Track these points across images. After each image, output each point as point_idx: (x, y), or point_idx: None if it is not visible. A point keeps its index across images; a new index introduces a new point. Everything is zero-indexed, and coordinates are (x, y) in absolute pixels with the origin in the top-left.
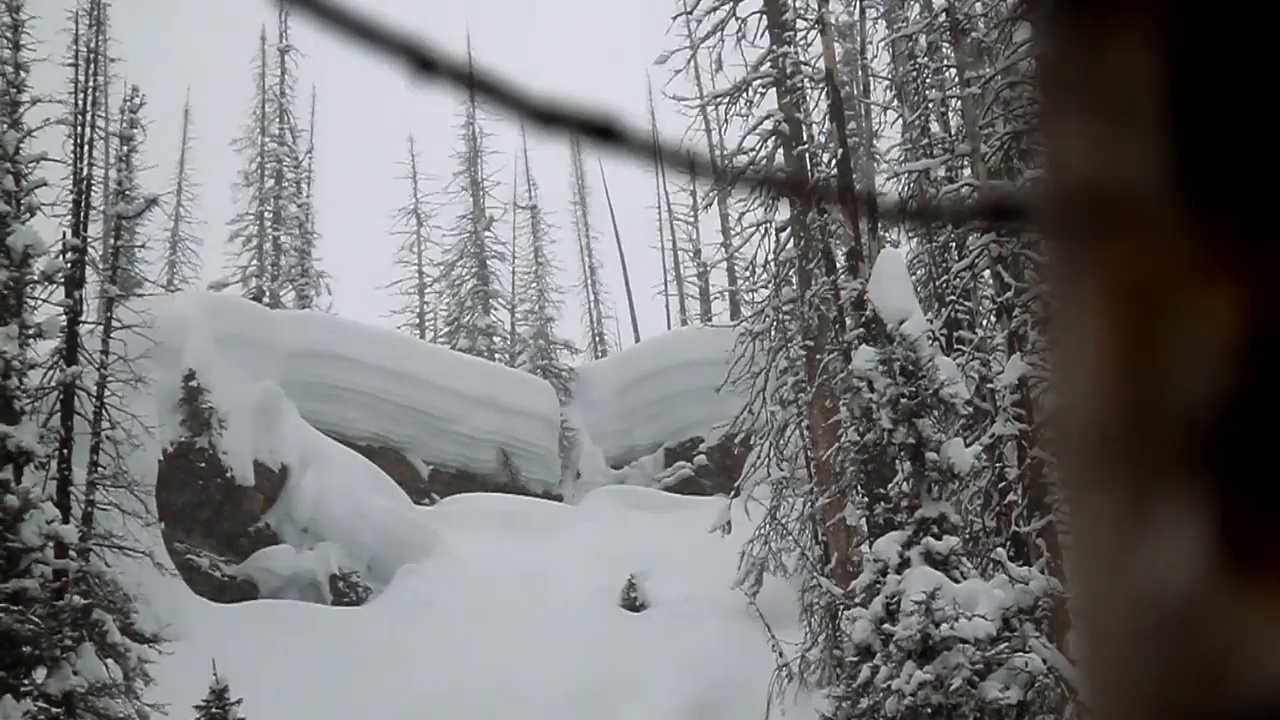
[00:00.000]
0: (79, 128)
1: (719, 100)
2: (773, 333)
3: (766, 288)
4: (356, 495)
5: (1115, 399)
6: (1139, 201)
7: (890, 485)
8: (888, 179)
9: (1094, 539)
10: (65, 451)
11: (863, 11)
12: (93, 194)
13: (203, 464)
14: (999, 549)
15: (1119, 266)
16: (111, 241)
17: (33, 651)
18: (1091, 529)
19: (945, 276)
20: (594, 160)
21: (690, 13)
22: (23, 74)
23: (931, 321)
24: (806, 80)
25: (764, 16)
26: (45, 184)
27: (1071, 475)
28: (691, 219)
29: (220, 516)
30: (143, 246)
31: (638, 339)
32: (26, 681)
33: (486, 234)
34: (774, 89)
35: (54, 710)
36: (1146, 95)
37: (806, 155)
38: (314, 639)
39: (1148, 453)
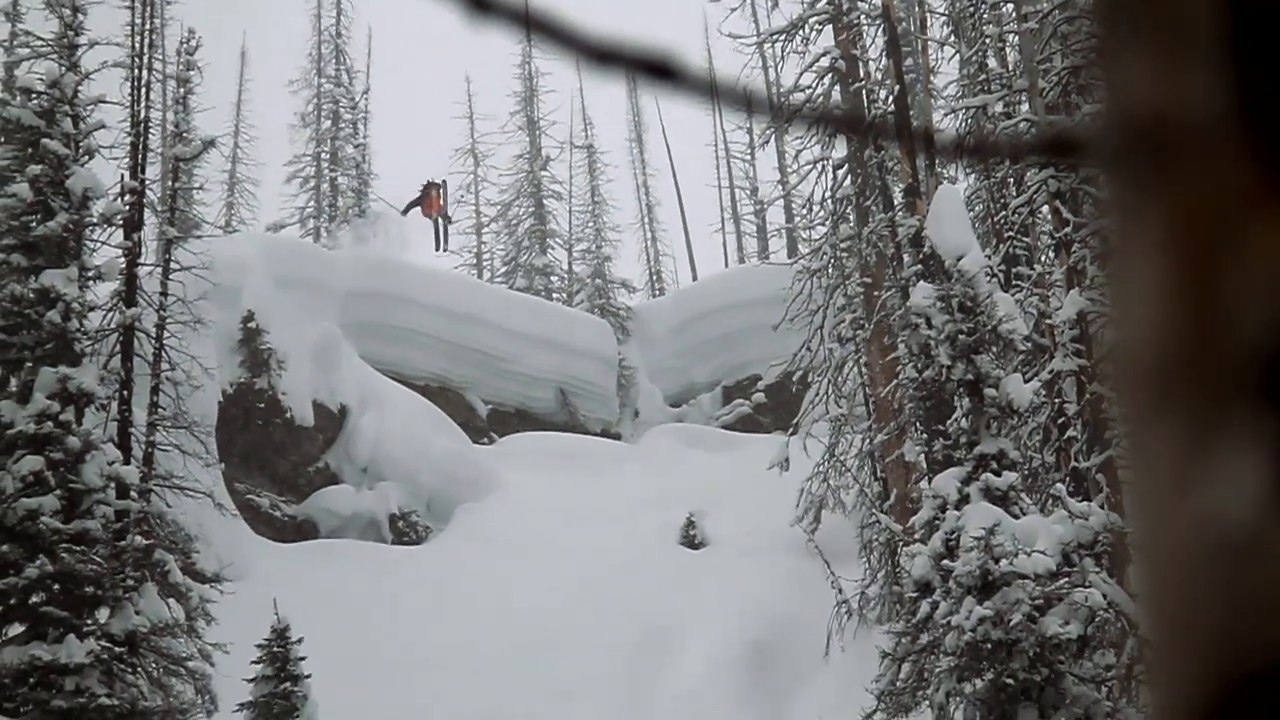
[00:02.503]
0: (136, 70)
1: (775, 37)
2: (830, 270)
3: (824, 225)
4: (416, 435)
5: (1176, 331)
6: (1199, 131)
7: (949, 421)
8: (945, 115)
9: (1155, 472)
10: (125, 393)
11: None
12: (150, 136)
13: (262, 405)
14: (1058, 484)
15: (1179, 197)
16: (169, 184)
17: (95, 592)
18: (1152, 462)
19: (1003, 212)
20: (650, 99)
21: None
22: (80, 17)
23: (989, 257)
24: (863, 16)
25: None
26: (103, 127)
27: (1132, 409)
28: (748, 157)
29: (280, 457)
30: (200, 188)
31: (695, 277)
32: (90, 622)
33: (543, 173)
34: (830, 25)
35: (117, 650)
36: (1206, 25)
37: (863, 92)
38: (374, 578)
39: (1208, 385)
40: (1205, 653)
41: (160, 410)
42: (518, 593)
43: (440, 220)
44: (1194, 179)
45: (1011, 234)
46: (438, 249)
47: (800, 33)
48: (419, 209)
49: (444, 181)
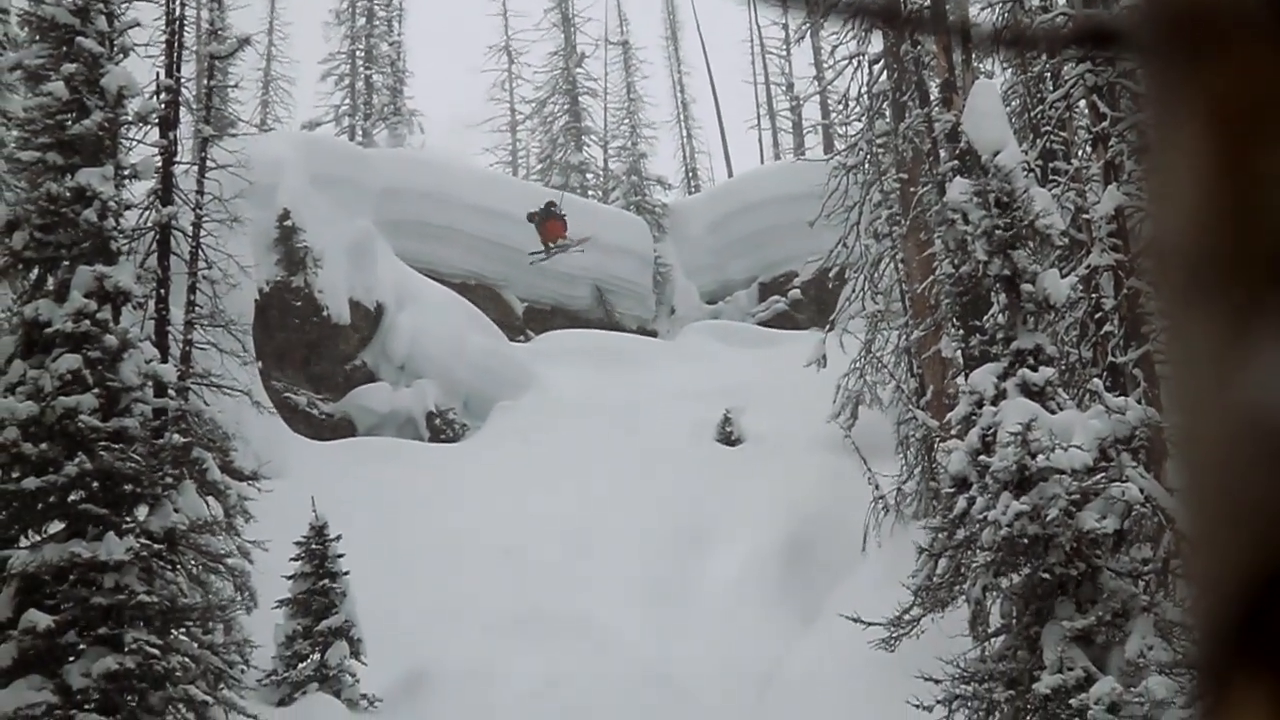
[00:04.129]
0: None
1: None
2: (866, 166)
3: (860, 121)
4: (452, 333)
5: (1214, 219)
6: (1237, 20)
7: (985, 317)
8: (981, 8)
9: (1193, 361)
10: (162, 291)
11: None
12: (185, 34)
13: (299, 303)
14: (1095, 380)
15: (1218, 88)
16: (204, 82)
17: (134, 489)
18: (1190, 353)
19: (1040, 107)
20: None
21: None
22: None
23: (1026, 153)
24: None
25: None
26: (138, 24)
27: (1170, 299)
28: (784, 53)
29: (317, 355)
30: (235, 86)
31: (731, 174)
32: (129, 519)
33: (578, 70)
34: None
35: (156, 547)
36: None
37: None
38: (411, 475)
39: (1246, 272)
40: (1244, 543)
41: (197, 308)
42: (553, 489)
43: (550, 245)
44: (1232, 68)
45: (1048, 129)
46: (539, 254)
47: None
48: (536, 223)
49: (564, 214)
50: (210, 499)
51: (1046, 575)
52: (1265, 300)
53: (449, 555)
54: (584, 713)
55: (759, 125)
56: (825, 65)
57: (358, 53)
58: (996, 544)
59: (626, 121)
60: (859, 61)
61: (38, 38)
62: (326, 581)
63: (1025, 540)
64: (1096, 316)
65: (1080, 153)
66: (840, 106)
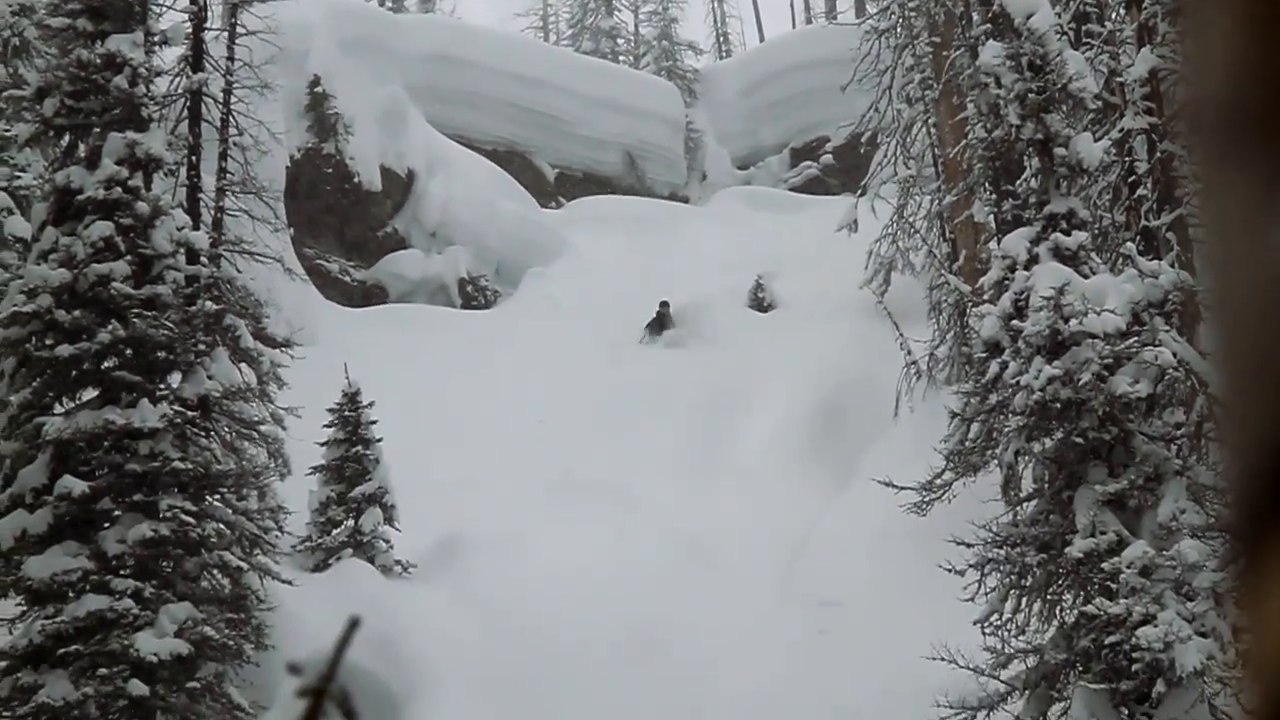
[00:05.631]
0: None
1: None
2: (899, 29)
3: None
4: (483, 199)
5: (1250, 76)
6: None
7: (1018, 181)
8: None
9: (1226, 225)
10: (194, 158)
11: None
12: None
13: (330, 169)
14: (1128, 243)
15: None
16: None
17: (167, 357)
18: (1223, 215)
19: None
20: None
21: None
22: None
23: (1059, 15)
24: None
25: None
26: None
27: (1204, 163)
28: None
29: (348, 221)
30: None
31: (762, 39)
32: (162, 386)
33: None
34: None
35: (190, 414)
36: None
37: None
38: (444, 342)
39: None
40: (1278, 405)
41: (228, 175)
42: (586, 354)
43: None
44: None
45: None
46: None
47: None
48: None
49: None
50: (243, 366)
51: (1079, 440)
52: None
53: (481, 422)
54: (616, 579)
55: None
56: None
57: None
58: (1029, 408)
59: None
60: None
61: None
62: (360, 448)
63: (1058, 405)
64: (1130, 180)
65: (1114, 15)
66: None
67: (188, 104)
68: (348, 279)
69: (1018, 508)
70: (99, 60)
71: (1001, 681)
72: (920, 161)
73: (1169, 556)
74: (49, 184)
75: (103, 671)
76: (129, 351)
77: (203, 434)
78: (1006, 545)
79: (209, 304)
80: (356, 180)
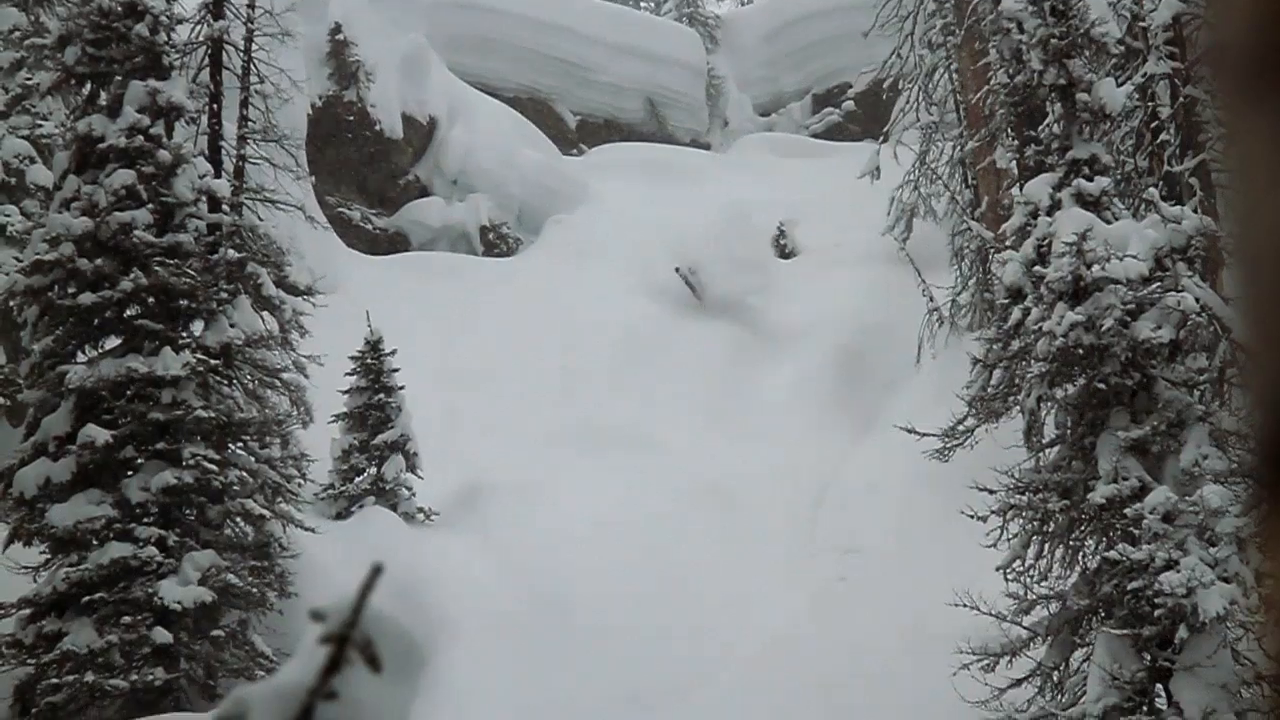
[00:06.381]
0: None
1: None
2: None
3: None
4: (505, 147)
5: (1271, 27)
6: None
7: (1041, 127)
8: None
9: (1249, 169)
10: (215, 107)
11: None
12: None
13: (351, 117)
14: (1151, 189)
15: None
16: None
17: (190, 305)
18: (1247, 158)
19: None
20: None
21: None
22: None
23: None
24: None
25: None
26: None
27: (1227, 107)
28: None
29: (370, 169)
30: None
31: None
32: (185, 334)
33: None
34: None
35: (212, 362)
36: None
37: None
38: (466, 290)
39: None
40: None
41: (250, 124)
42: (608, 302)
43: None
44: None
45: None
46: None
47: None
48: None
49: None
50: (265, 314)
51: (1101, 385)
52: None
53: (503, 370)
54: (637, 525)
55: None
56: None
57: None
58: (1051, 354)
59: None
60: None
61: None
62: (382, 396)
63: (1080, 350)
64: (1153, 125)
65: None
66: None
67: (209, 52)
68: (369, 227)
69: (1040, 454)
70: (120, 8)
71: (1024, 627)
72: (942, 107)
73: (1191, 502)
74: (70, 132)
75: (126, 619)
76: (151, 300)
77: (225, 382)
78: (1029, 491)
79: (231, 252)
80: (378, 128)
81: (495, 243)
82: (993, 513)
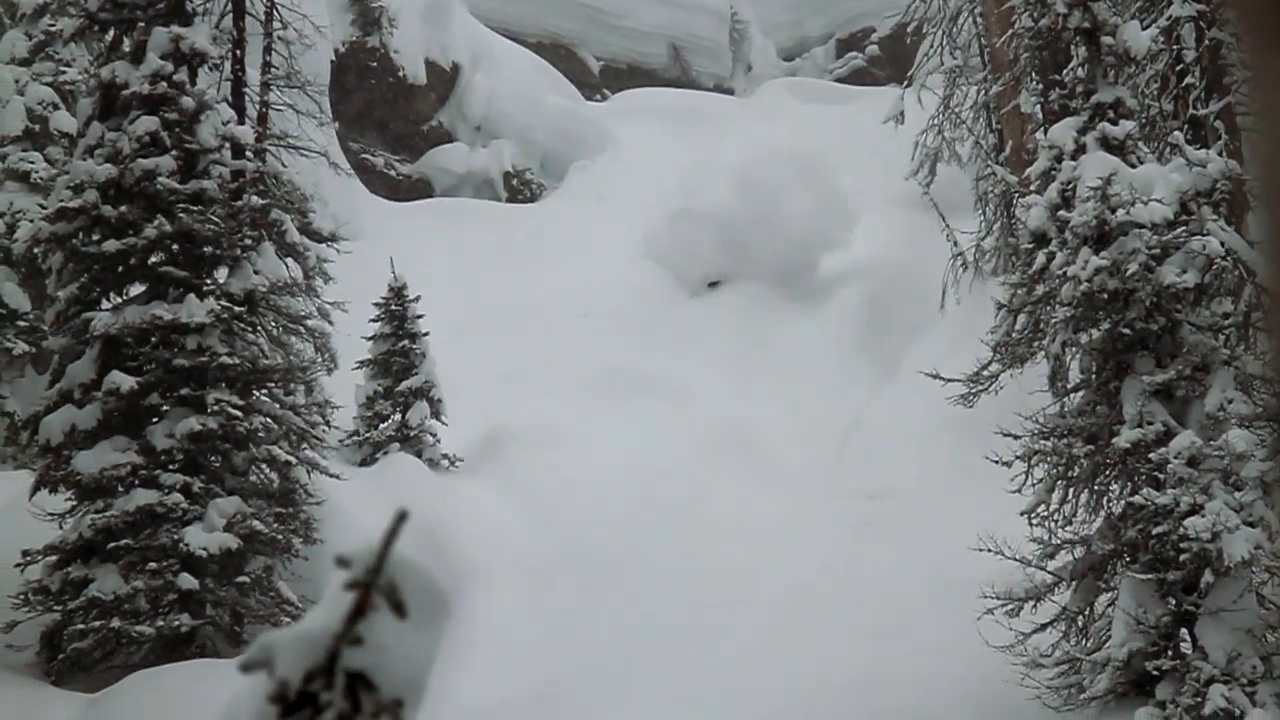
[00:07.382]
0: None
1: None
2: None
3: None
4: (528, 92)
5: None
6: None
7: (1065, 70)
8: None
9: (1275, 111)
10: (238, 53)
11: None
12: None
13: (374, 63)
14: (1176, 132)
15: None
16: None
17: (214, 251)
18: (1273, 101)
19: None
20: None
21: None
22: None
23: None
24: None
25: None
26: None
27: (1252, 50)
28: None
29: (393, 115)
30: None
31: None
32: (209, 281)
33: None
34: None
35: (236, 309)
36: None
37: None
38: (490, 236)
39: None
40: None
41: (273, 70)
42: (631, 250)
43: None
44: None
45: None
46: None
47: None
48: None
49: None
50: (289, 260)
51: (1126, 330)
52: None
53: (527, 316)
54: (662, 471)
55: None
56: None
57: None
58: (1076, 299)
59: None
60: None
61: None
62: (406, 342)
63: (1105, 295)
64: (1178, 69)
65: None
66: None
67: None
68: (393, 173)
69: (1064, 399)
70: None
71: (1048, 572)
72: (966, 52)
73: (1216, 446)
74: (94, 79)
75: (152, 565)
76: (175, 247)
77: (249, 329)
78: (1053, 436)
79: (255, 199)
80: (401, 74)
81: (519, 189)
82: (1017, 458)
